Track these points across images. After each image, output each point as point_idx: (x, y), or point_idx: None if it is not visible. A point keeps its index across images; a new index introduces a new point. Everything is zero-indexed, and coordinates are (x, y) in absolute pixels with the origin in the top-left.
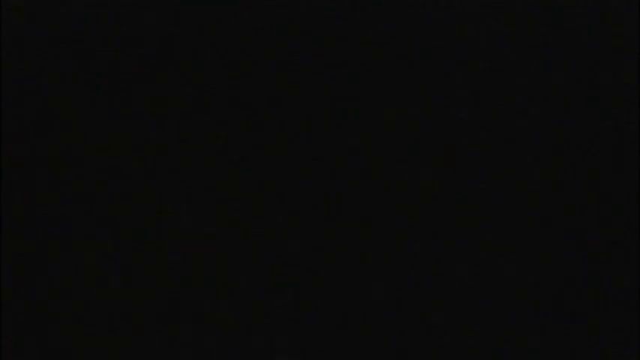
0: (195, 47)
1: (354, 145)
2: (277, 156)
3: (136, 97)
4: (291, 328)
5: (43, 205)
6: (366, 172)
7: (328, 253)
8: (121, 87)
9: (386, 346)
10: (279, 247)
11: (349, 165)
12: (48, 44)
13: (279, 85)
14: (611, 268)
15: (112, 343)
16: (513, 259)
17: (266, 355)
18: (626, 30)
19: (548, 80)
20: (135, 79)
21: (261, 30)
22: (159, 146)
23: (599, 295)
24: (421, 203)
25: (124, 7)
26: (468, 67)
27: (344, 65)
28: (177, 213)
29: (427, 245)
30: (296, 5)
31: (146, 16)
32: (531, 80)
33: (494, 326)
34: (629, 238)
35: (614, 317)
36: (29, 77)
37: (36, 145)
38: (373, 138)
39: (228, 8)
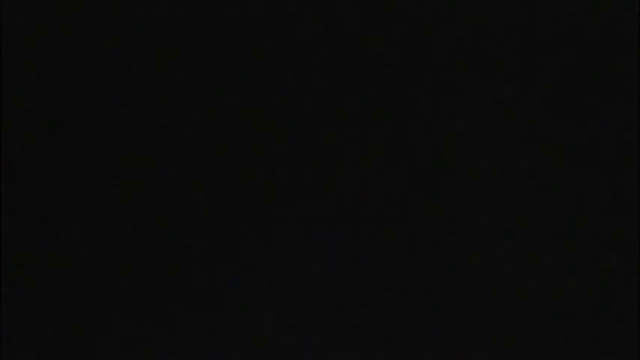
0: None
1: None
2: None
3: (136, 96)
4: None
5: (43, 203)
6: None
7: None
8: (120, 86)
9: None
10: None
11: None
12: (48, 45)
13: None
14: (612, 268)
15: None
16: (512, 259)
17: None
18: (626, 30)
19: (548, 80)
20: (134, 79)
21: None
22: (158, 145)
23: (599, 296)
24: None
25: (123, 7)
26: (467, 67)
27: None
28: (177, 212)
29: (427, 246)
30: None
31: (145, 15)
32: (530, 80)
33: (492, 327)
34: (630, 238)
35: (613, 317)
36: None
37: (36, 145)
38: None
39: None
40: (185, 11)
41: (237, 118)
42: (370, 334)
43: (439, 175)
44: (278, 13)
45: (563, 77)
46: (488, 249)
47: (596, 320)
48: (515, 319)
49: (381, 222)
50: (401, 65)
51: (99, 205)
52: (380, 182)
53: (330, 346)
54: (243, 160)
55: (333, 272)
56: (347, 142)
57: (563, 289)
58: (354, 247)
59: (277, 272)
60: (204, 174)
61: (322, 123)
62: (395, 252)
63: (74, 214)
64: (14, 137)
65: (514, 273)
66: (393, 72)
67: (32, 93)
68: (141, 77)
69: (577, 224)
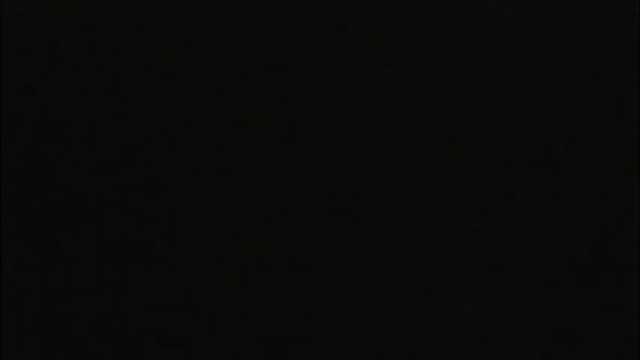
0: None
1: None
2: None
3: (136, 97)
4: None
5: (43, 203)
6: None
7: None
8: (119, 87)
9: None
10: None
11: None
12: (48, 47)
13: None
14: (612, 268)
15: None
16: (512, 260)
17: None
18: (626, 30)
19: (548, 80)
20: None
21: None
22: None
23: (598, 295)
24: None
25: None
26: (467, 67)
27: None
28: (177, 213)
29: (424, 246)
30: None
31: (145, 17)
32: (530, 80)
33: (491, 326)
34: (630, 238)
35: (614, 317)
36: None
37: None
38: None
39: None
40: (185, 11)
41: (237, 118)
42: (370, 334)
43: (439, 175)
44: (278, 13)
45: (563, 77)
46: (489, 249)
47: (596, 320)
48: (515, 319)
49: (380, 222)
50: (401, 65)
51: (99, 205)
52: (379, 182)
53: (330, 346)
54: (243, 160)
55: (333, 272)
56: (347, 142)
57: (563, 288)
58: (354, 247)
59: (277, 273)
60: (204, 174)
61: (322, 123)
62: (395, 252)
63: (74, 214)
64: (14, 137)
65: (514, 273)
66: (393, 72)
67: (32, 93)
68: (141, 77)
69: (577, 224)
